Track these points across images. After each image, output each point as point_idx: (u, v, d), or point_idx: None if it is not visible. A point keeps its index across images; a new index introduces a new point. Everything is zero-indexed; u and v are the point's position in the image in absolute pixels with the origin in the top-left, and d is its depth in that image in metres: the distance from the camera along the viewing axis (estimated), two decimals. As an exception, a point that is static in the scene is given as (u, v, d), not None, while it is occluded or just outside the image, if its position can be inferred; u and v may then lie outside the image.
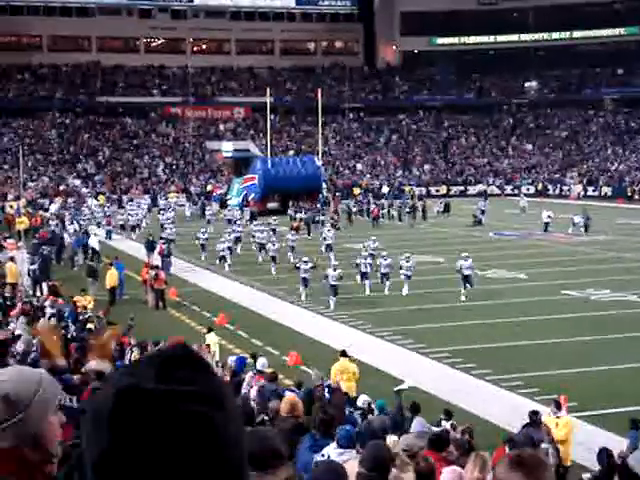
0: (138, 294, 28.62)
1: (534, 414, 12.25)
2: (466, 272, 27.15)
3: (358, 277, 29.37)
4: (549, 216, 45.90)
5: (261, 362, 15.20)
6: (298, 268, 28.44)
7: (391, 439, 8.87)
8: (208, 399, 1.33)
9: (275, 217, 46.30)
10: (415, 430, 10.10)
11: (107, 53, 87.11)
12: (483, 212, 51.92)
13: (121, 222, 49.45)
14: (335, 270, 26.83)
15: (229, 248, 35.53)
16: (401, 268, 28.73)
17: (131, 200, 61.90)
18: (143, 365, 1.35)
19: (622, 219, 51.68)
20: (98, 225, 49.17)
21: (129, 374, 1.34)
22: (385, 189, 70.51)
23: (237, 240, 38.96)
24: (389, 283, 28.69)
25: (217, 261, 35.01)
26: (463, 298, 26.65)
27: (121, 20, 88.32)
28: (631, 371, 18.87)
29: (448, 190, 73.88)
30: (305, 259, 28.12)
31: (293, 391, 13.07)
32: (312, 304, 27.12)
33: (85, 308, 21.54)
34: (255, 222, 45.20)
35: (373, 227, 49.65)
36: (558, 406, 13.20)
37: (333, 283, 26.31)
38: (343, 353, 16.84)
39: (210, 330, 19.63)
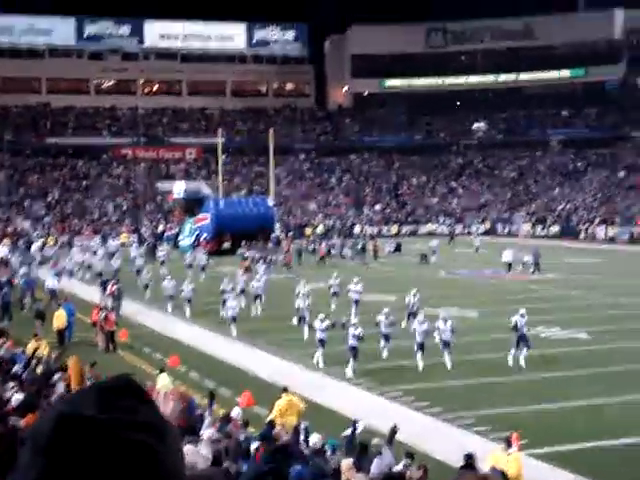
0: (88, 336, 28.25)
1: (469, 457, 12.16)
2: (522, 331, 23.30)
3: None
4: (512, 256, 45.79)
5: (236, 411, 15.56)
6: (311, 327, 25.05)
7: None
8: (149, 429, 1.32)
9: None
10: (374, 470, 10.09)
11: (57, 94, 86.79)
12: (434, 252, 52.29)
13: (71, 264, 48.86)
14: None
15: (188, 300, 32.89)
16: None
17: (80, 243, 61.33)
18: (85, 393, 1.34)
19: (570, 258, 52.43)
20: (52, 265, 48.56)
21: (70, 401, 1.33)
22: (320, 229, 70.59)
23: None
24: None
25: (173, 307, 34.39)
26: (523, 363, 22.88)
27: (71, 62, 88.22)
28: (583, 408, 19.04)
29: (399, 230, 74.42)
30: (321, 316, 24.28)
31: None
32: (270, 346, 26.99)
33: (35, 351, 21.16)
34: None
35: (319, 267, 49.83)
36: (509, 443, 13.26)
37: (321, 337, 24.06)
38: (285, 389, 17.07)
39: (162, 371, 19.43)
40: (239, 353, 26.01)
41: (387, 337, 24.26)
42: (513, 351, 23.12)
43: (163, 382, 18.73)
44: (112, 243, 60.72)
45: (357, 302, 31.35)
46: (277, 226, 64.20)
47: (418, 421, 18.45)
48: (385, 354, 24.10)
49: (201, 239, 58.15)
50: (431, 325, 23.49)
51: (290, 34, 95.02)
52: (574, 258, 52.42)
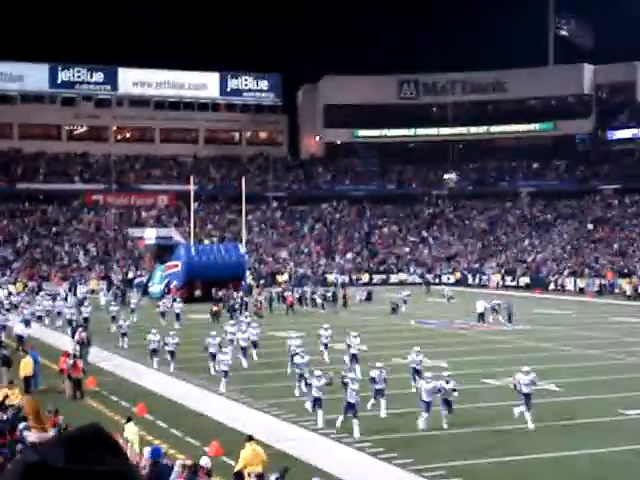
0: (55, 383, 27.88)
1: None
2: (525, 390, 21.85)
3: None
4: (485, 307, 45.94)
5: (204, 461, 15.47)
6: (309, 385, 23.33)
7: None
8: (117, 478, 1.33)
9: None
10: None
11: (29, 140, 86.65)
12: (405, 302, 52.34)
13: (38, 310, 48.38)
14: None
15: (171, 353, 31.22)
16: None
17: (48, 289, 60.83)
18: (53, 444, 1.34)
19: (539, 309, 52.68)
20: (20, 311, 48.06)
21: (39, 452, 1.33)
22: (285, 277, 70.46)
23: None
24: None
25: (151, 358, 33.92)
26: (531, 425, 21.47)
27: (44, 107, 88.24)
28: (551, 460, 19.00)
29: (371, 278, 74.53)
30: (318, 373, 22.86)
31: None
32: (237, 394, 26.76)
33: (5, 398, 20.83)
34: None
35: (287, 315, 49.80)
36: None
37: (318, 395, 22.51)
38: (250, 438, 17.01)
39: (129, 420, 19.19)
40: (209, 402, 25.76)
41: (382, 392, 23.04)
42: (521, 409, 21.77)
43: (130, 431, 18.51)
44: (81, 290, 60.29)
45: (355, 356, 29.90)
46: (248, 274, 64.07)
47: (393, 473, 18.31)
48: (383, 414, 22.76)
49: (171, 286, 57.85)
50: (436, 384, 21.91)
51: (263, 83, 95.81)
52: (543, 309, 52.67)
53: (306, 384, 24.47)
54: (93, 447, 1.34)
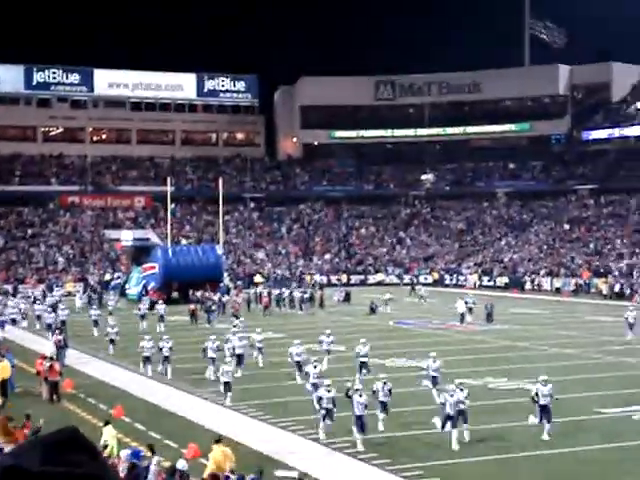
0: (31, 386, 27.69)
1: None
2: (543, 401, 20.84)
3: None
4: (467, 307, 45.69)
5: (181, 464, 15.54)
6: (321, 399, 21.45)
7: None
8: None
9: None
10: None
11: (4, 142, 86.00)
12: (387, 303, 52.18)
13: (13, 313, 48.02)
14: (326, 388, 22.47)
15: (166, 359, 30.11)
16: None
17: (25, 292, 60.44)
18: (29, 447, 1.35)
19: (516, 309, 52.92)
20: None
21: (14, 455, 1.33)
22: (258, 278, 69.97)
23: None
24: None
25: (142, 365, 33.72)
26: (546, 437, 20.57)
27: (19, 109, 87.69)
28: (529, 458, 19.10)
29: (348, 279, 74.60)
30: (328, 382, 21.96)
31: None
32: (214, 395, 26.69)
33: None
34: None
35: (264, 316, 49.82)
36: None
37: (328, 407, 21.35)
38: (219, 439, 17.21)
39: (107, 423, 19.09)
40: (186, 404, 25.68)
41: (385, 406, 21.78)
42: (535, 420, 20.81)
43: (109, 434, 18.43)
44: (56, 292, 59.83)
45: (364, 364, 28.41)
46: (226, 275, 63.94)
47: (371, 473, 18.32)
48: (381, 427, 21.50)
49: (149, 288, 57.63)
50: (460, 394, 20.71)
51: (240, 84, 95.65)
52: (520, 309, 52.92)
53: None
54: (69, 450, 1.34)
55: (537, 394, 21.00)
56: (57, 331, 35.44)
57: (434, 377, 25.55)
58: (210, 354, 29.49)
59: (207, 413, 24.32)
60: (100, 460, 1.38)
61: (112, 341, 35.77)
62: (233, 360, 28.58)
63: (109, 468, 1.39)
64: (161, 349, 30.32)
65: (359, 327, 44.29)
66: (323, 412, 21.05)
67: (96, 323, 41.33)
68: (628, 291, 58.52)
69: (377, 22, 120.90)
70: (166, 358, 30.07)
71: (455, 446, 19.76)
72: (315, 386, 23.55)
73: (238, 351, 30.23)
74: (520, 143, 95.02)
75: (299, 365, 28.22)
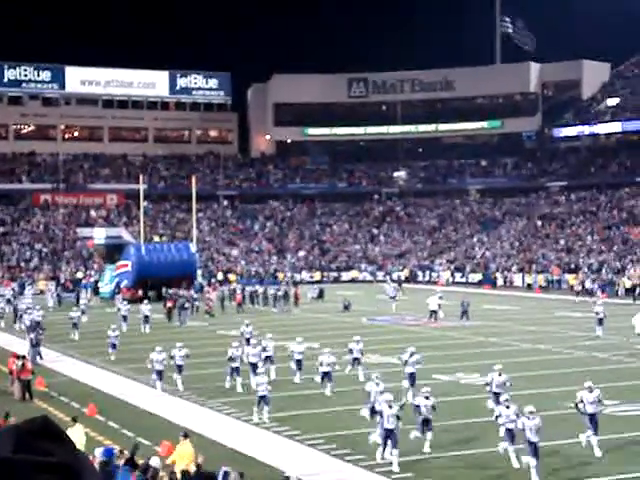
0: (3, 385, 27.59)
1: None
2: (590, 409, 19.19)
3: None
4: (439, 305, 45.32)
5: (155, 461, 15.57)
6: (377, 413, 19.57)
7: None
8: (65, 470, 1.34)
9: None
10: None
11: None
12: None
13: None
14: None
15: (164, 367, 27.04)
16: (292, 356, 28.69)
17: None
18: (3, 435, 1.36)
19: (488, 305, 53.29)
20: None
21: None
22: (220, 276, 69.19)
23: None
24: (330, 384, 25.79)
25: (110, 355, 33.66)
26: (598, 453, 18.90)
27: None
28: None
29: (322, 276, 74.77)
30: (389, 398, 19.16)
31: None
32: (188, 393, 26.74)
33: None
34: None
35: (238, 313, 49.85)
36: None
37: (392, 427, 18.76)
38: (186, 435, 17.47)
39: (75, 421, 19.03)
40: (160, 403, 25.70)
41: (428, 424, 19.66)
42: (588, 434, 19.17)
43: (78, 432, 18.40)
44: (27, 291, 59.39)
45: (413, 376, 25.56)
46: (199, 273, 63.86)
47: (346, 469, 18.47)
48: (427, 448, 19.55)
49: (122, 286, 57.45)
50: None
51: (213, 82, 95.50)
52: (492, 305, 53.29)
53: (373, 412, 20.74)
54: (41, 438, 1.36)
55: (581, 404, 19.17)
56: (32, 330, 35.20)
57: (411, 374, 25.29)
58: (235, 364, 26.70)
59: (181, 411, 24.35)
60: (72, 449, 1.40)
61: (114, 345, 33.41)
62: (264, 368, 25.68)
63: (82, 457, 1.42)
64: (172, 357, 27.46)
65: (333, 324, 44.47)
66: (382, 432, 18.59)
67: (75, 326, 39.78)
68: (596, 287, 59.08)
69: (349, 20, 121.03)
70: (179, 367, 27.34)
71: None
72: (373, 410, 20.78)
73: (252, 359, 27.26)
74: (492, 140, 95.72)
75: (327, 375, 25.84)
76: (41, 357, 33.10)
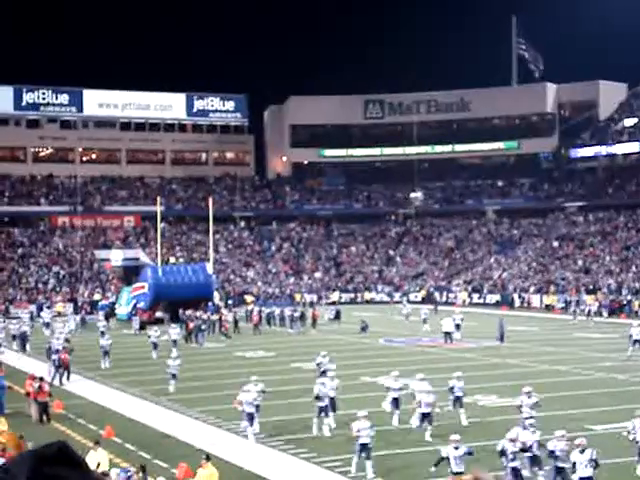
0: (21, 407, 27.62)
1: None
2: None
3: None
4: (458, 325, 45.74)
5: None
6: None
7: None
8: None
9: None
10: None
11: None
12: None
13: (2, 333, 47.82)
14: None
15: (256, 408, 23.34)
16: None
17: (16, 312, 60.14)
18: (18, 462, 1.35)
19: (506, 326, 52.93)
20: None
21: (4, 469, 1.34)
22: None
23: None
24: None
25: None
26: None
27: (9, 130, 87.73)
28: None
29: (339, 297, 74.65)
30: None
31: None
32: (204, 415, 26.67)
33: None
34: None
35: (254, 334, 49.74)
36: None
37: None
38: (208, 457, 17.33)
39: (97, 443, 19.06)
40: (177, 424, 25.64)
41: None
42: None
43: (100, 454, 18.39)
44: (46, 314, 58.99)
45: (460, 398, 24.82)
46: (216, 294, 63.81)
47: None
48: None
49: (138, 307, 57.51)
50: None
51: (230, 104, 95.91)
52: (510, 326, 52.96)
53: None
54: (57, 464, 1.35)
55: (632, 431, 18.38)
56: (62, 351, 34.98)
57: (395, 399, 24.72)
58: (321, 403, 23.45)
59: (198, 433, 24.28)
60: (88, 474, 1.39)
61: (174, 376, 30.76)
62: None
63: None
64: (168, 367, 30.84)
65: (350, 346, 44.32)
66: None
67: (107, 354, 37.38)
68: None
69: (365, 41, 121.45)
70: (173, 375, 30.39)
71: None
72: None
73: (330, 394, 23.94)
74: (508, 161, 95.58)
75: (395, 400, 24.51)
76: (63, 380, 33.15)
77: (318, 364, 30.15)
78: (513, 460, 17.17)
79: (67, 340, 37.97)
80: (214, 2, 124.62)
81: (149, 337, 40.98)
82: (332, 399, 23.71)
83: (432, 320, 51.64)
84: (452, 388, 24.79)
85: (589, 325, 52.81)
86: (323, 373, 27.67)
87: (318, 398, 23.25)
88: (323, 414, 23.13)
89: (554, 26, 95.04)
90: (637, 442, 18.57)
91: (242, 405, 22.76)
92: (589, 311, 56.30)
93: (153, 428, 25.15)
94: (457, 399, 24.66)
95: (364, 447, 19.05)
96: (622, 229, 77.33)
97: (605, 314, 59.00)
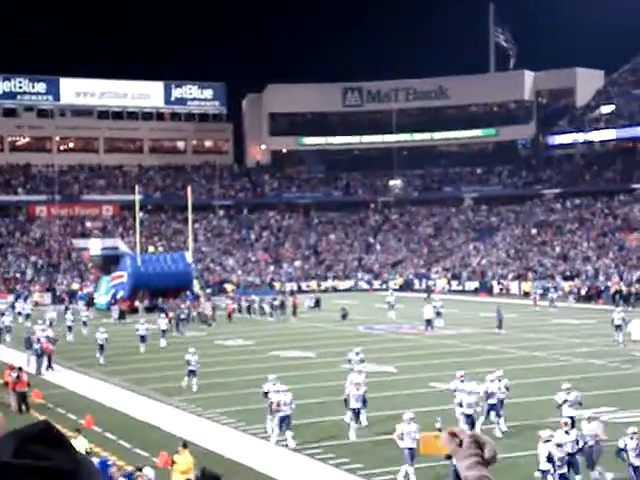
0: (0, 397, 27.53)
1: None
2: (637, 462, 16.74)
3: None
4: (439, 313, 46.00)
5: (147, 471, 15.70)
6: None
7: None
8: (64, 475, 1.35)
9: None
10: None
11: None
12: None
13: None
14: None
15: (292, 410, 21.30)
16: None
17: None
18: (2, 441, 1.37)
19: (485, 313, 53.24)
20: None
21: None
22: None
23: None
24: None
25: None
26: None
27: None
28: (504, 462, 19.23)
29: (318, 285, 74.75)
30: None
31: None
32: (185, 404, 26.68)
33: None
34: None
35: (229, 323, 49.73)
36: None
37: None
38: (185, 444, 17.33)
39: (78, 431, 19.02)
40: (157, 413, 25.64)
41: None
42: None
43: (80, 444, 18.38)
44: (23, 304, 58.17)
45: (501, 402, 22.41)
46: (195, 283, 63.72)
47: (343, 478, 18.43)
48: None
49: (117, 297, 57.35)
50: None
51: (208, 92, 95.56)
52: (489, 313, 53.22)
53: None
54: (42, 444, 1.37)
55: (625, 449, 16.72)
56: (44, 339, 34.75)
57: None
58: (353, 403, 22.32)
59: (179, 422, 24.30)
60: (72, 454, 1.40)
61: (193, 372, 28.84)
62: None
63: (83, 463, 1.42)
64: (188, 362, 28.44)
65: (330, 333, 44.43)
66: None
67: (102, 348, 35.85)
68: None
69: (343, 29, 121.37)
70: (192, 372, 28.32)
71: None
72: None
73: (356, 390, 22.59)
74: (487, 148, 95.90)
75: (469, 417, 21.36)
76: (42, 370, 33.08)
77: (349, 360, 28.61)
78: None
79: (48, 336, 37.18)
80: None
81: (137, 330, 39.60)
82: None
83: (416, 308, 51.81)
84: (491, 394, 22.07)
85: (553, 311, 53.15)
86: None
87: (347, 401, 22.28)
88: (354, 417, 22.02)
89: (531, 13, 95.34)
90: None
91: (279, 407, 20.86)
92: (552, 298, 56.78)
93: (133, 417, 25.14)
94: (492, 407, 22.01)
95: (410, 451, 17.75)
96: (599, 215, 77.83)
97: (572, 300, 59.63)
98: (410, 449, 17.74)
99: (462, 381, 22.68)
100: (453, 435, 2.08)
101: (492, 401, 21.91)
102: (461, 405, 21.27)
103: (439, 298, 53.29)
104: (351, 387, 22.60)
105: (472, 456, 2.02)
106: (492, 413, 21.99)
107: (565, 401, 20.61)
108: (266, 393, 22.21)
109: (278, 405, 20.76)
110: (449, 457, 2.16)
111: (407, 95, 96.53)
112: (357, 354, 28.97)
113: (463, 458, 2.04)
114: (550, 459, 16.35)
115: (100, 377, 32.26)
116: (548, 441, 16.66)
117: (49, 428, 1.43)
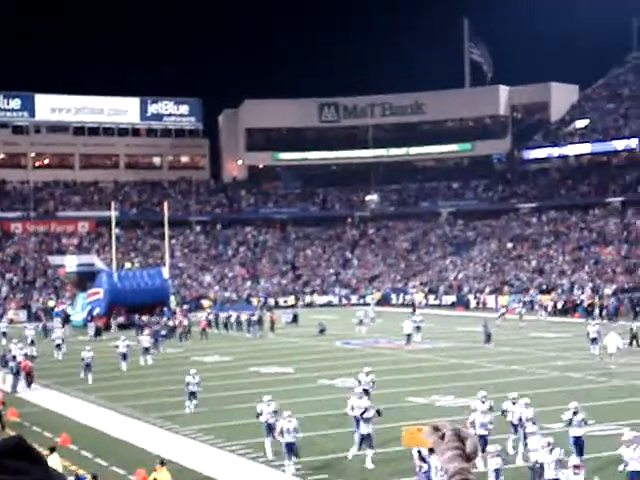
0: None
1: None
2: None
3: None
4: (418, 327, 45.89)
5: None
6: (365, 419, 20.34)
7: None
8: None
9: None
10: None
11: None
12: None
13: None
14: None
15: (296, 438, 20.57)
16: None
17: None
18: None
19: (462, 327, 53.42)
20: None
21: None
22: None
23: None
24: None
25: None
26: None
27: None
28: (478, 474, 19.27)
29: (296, 301, 74.65)
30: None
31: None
32: (161, 421, 26.51)
33: None
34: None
35: (202, 339, 49.48)
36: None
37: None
38: (162, 462, 17.29)
39: (53, 450, 18.85)
40: (134, 431, 25.47)
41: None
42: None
43: (54, 462, 18.21)
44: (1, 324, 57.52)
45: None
46: (172, 299, 63.50)
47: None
48: None
49: (94, 314, 56.99)
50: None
51: (184, 108, 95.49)
52: (466, 327, 53.40)
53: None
54: (15, 458, 1.37)
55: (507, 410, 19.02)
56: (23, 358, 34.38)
57: (365, 389, 25.02)
58: (365, 429, 20.90)
59: (155, 439, 24.15)
60: (46, 468, 1.40)
61: (194, 395, 27.70)
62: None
63: (57, 477, 1.43)
64: (188, 384, 27.41)
65: (307, 349, 44.36)
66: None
67: (88, 367, 35.32)
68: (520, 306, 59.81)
69: (319, 45, 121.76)
70: (193, 394, 27.35)
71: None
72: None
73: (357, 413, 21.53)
74: (462, 163, 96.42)
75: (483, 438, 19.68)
76: (18, 387, 32.77)
77: (359, 381, 26.96)
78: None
79: (26, 354, 36.57)
80: (168, 5, 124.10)
81: (117, 347, 38.90)
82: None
83: (394, 322, 51.81)
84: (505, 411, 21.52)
85: (521, 325, 53.31)
86: (365, 392, 24.70)
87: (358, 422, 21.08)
88: (365, 445, 20.75)
89: (506, 28, 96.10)
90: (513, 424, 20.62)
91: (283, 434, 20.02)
92: (520, 312, 57.03)
93: (109, 435, 24.96)
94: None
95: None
96: (574, 229, 78.32)
97: (544, 314, 59.77)
98: None
99: (483, 402, 21.36)
100: (435, 429, 2.12)
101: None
102: (474, 425, 20.18)
103: (418, 312, 53.40)
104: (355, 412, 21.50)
105: (453, 449, 2.06)
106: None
107: (571, 421, 20.29)
108: (259, 414, 21.71)
109: (281, 432, 19.99)
110: (432, 450, 2.22)
111: (383, 110, 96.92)
112: (367, 374, 27.22)
113: (444, 451, 2.09)
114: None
115: (77, 395, 32.02)
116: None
117: (22, 443, 1.41)
